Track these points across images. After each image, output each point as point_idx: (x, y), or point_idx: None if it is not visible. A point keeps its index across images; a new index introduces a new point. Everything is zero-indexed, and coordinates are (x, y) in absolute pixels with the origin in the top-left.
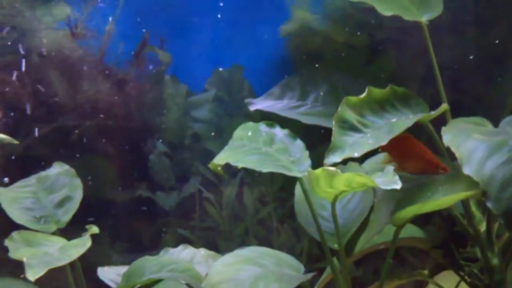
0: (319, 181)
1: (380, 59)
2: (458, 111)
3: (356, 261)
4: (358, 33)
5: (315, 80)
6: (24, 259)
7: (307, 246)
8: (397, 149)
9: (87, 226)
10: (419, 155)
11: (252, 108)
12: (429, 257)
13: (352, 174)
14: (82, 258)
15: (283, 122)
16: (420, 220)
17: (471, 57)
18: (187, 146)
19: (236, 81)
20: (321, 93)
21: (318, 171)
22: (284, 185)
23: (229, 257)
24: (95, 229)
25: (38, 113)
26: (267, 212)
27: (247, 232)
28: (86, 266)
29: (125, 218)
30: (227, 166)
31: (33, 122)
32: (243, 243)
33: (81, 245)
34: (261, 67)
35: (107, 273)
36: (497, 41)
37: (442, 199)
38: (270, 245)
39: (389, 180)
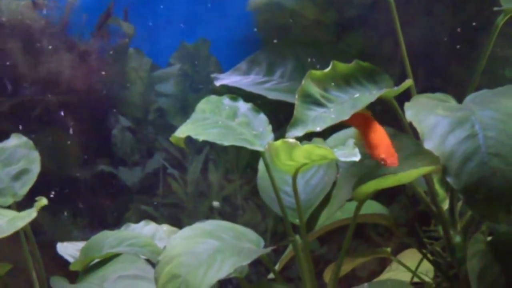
0: (279, 154)
1: (349, 36)
2: (426, 89)
3: (321, 238)
4: (327, 9)
5: (282, 56)
6: None
7: (272, 223)
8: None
9: (36, 198)
10: (369, 137)
11: (218, 83)
12: (393, 235)
13: (311, 146)
14: (42, 233)
15: (251, 99)
16: (385, 199)
17: (441, 35)
18: (151, 121)
19: (202, 56)
20: (288, 69)
21: (278, 143)
22: (250, 162)
23: (188, 230)
24: (43, 201)
25: None
26: (232, 189)
27: (212, 209)
28: (46, 241)
29: (87, 194)
30: (192, 142)
31: None
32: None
33: (27, 216)
34: (228, 41)
35: (66, 248)
36: (466, 19)
37: (403, 174)
38: (234, 222)
39: (349, 152)
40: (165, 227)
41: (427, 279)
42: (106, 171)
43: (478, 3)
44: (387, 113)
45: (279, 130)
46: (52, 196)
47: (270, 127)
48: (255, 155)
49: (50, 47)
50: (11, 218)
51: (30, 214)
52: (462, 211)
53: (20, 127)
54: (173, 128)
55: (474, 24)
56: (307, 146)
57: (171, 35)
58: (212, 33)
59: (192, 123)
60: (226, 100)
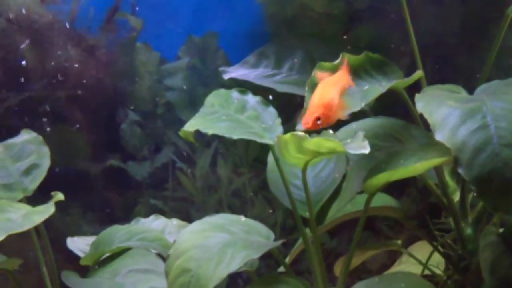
0: (288, 147)
1: (358, 27)
2: (437, 81)
3: (331, 231)
4: (335, 1)
5: (290, 48)
6: None
7: (282, 217)
8: None
9: (52, 193)
10: None
11: (226, 76)
12: (404, 228)
13: (320, 139)
14: (52, 228)
15: (259, 92)
16: (396, 192)
17: (451, 26)
18: (160, 115)
19: (210, 49)
20: (297, 62)
21: (287, 136)
22: (259, 155)
23: (198, 224)
24: (60, 196)
25: (5, 80)
26: (241, 183)
27: (221, 203)
28: (56, 236)
29: (96, 189)
30: (201, 136)
31: (0, 90)
32: None
33: (45, 211)
34: (236, 34)
35: (76, 243)
36: (477, 10)
37: (413, 166)
38: (244, 216)
39: (358, 145)
40: (175, 221)
41: (438, 271)
42: (115, 165)
43: None
44: (397, 105)
45: (289, 123)
46: (61, 190)
47: (279, 120)
48: (265, 149)
49: (58, 41)
50: (26, 213)
51: (48, 209)
52: (473, 203)
53: (29, 122)
54: (182, 122)
55: (484, 14)
56: (316, 139)
57: (179, 29)
58: (220, 26)
59: (201, 117)
60: (235, 93)
